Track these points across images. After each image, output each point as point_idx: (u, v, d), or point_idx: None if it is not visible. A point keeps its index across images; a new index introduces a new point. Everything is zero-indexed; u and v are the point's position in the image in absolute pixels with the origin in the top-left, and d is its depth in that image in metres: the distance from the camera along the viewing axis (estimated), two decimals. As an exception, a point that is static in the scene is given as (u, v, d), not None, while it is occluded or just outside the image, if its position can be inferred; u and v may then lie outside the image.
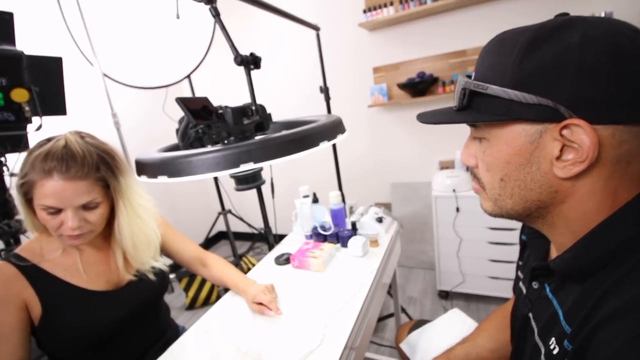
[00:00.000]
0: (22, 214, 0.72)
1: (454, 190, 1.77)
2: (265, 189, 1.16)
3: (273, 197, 1.39)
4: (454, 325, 0.94)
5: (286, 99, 2.51)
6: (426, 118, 0.48)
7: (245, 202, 2.85)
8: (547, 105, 0.36)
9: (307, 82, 2.34)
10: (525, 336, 0.52)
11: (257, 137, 0.73)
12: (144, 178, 0.66)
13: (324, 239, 1.20)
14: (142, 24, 1.83)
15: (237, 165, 0.61)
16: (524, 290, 0.55)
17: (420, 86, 1.98)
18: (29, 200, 0.69)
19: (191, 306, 2.16)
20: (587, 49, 0.34)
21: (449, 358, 0.75)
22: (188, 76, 2.07)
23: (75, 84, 1.90)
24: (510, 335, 0.63)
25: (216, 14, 0.71)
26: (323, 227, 1.21)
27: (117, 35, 1.79)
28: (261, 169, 0.79)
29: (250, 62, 0.76)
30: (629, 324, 0.32)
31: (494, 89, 0.39)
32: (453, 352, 0.76)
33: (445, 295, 1.99)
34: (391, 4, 1.92)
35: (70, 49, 1.60)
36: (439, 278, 1.95)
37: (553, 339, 0.42)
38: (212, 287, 2.22)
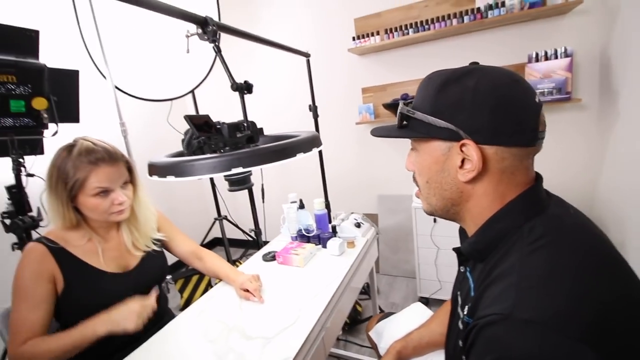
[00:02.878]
0: (56, 213, 0.87)
1: (431, 202, 1.92)
2: (258, 194, 1.31)
3: (263, 201, 1.55)
4: (415, 316, 1.05)
5: (280, 115, 2.71)
6: (376, 132, 0.62)
7: (240, 209, 2.99)
8: (452, 129, 0.50)
9: (300, 100, 2.53)
10: (455, 311, 0.64)
11: (247, 148, 0.90)
12: (155, 177, 0.82)
13: (307, 240, 1.35)
14: (152, 44, 2.03)
15: (229, 169, 0.77)
16: (456, 276, 0.69)
17: (403, 107, 2.17)
18: (72, 198, 0.86)
19: (186, 307, 2.27)
20: (477, 92, 0.48)
21: (406, 341, 0.88)
22: (192, 91, 2.26)
23: (88, 94, 2.08)
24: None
25: (218, 51, 0.89)
26: (307, 230, 1.36)
27: (129, 51, 1.98)
28: (250, 173, 0.95)
29: (244, 89, 0.94)
30: (501, 283, 0.45)
31: (419, 115, 0.53)
32: (410, 337, 0.89)
33: (425, 301, 2.11)
34: (377, 33, 2.13)
35: (86, 63, 1.78)
36: (419, 285, 2.08)
37: (466, 306, 0.54)
38: (206, 289, 2.34)
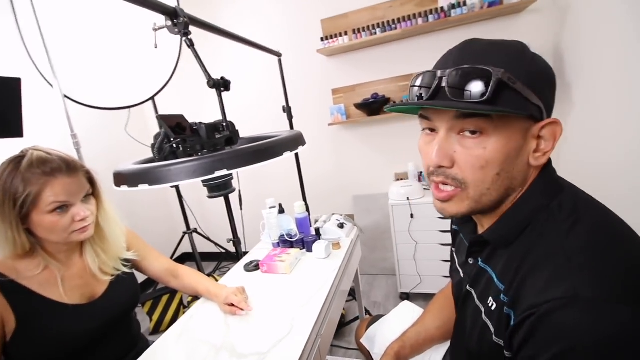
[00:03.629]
0: (4, 239, 0.73)
1: (407, 199, 1.95)
2: (234, 201, 1.24)
3: (241, 208, 1.46)
4: (405, 315, 1.01)
5: (252, 117, 2.62)
6: (442, 105, 0.45)
7: (211, 221, 2.85)
8: (540, 107, 0.44)
9: (273, 102, 2.47)
10: (467, 306, 0.60)
11: (228, 150, 0.83)
12: (124, 187, 0.73)
13: (290, 245, 1.29)
14: (105, 46, 1.87)
15: (212, 172, 0.70)
16: (461, 271, 0.65)
17: (374, 106, 2.19)
18: (24, 218, 0.73)
19: (156, 330, 2.10)
20: (548, 65, 0.46)
21: (404, 340, 0.84)
22: (152, 98, 2.11)
23: (33, 105, 1.87)
24: (456, 311, 0.72)
25: (191, 44, 0.82)
26: (289, 235, 1.31)
27: (80, 56, 1.81)
28: (231, 177, 0.88)
29: (222, 85, 0.87)
30: (548, 266, 0.41)
31: (519, 85, 0.42)
32: (407, 335, 0.85)
33: (406, 297, 2.13)
34: (345, 33, 2.13)
35: (30, 69, 1.60)
36: (399, 281, 2.09)
37: (490, 298, 0.50)
38: (179, 308, 2.18)
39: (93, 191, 0.84)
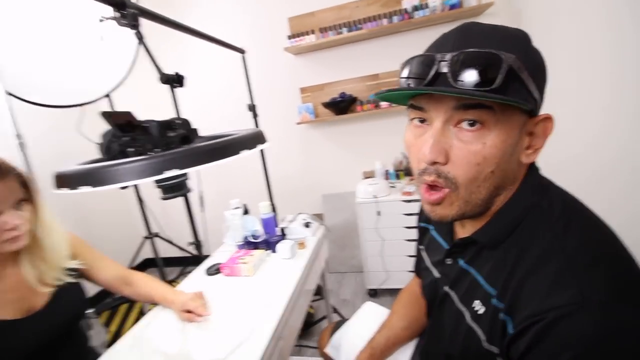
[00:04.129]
0: None
1: (374, 196, 1.97)
2: (195, 202, 1.19)
3: (202, 210, 1.41)
4: (369, 317, 0.94)
5: (219, 116, 2.54)
6: (451, 91, 0.39)
7: (174, 223, 2.74)
8: (537, 100, 0.41)
9: (239, 100, 2.40)
10: (444, 308, 0.57)
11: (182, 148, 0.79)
12: (64, 190, 0.67)
13: (254, 246, 1.26)
14: (55, 39, 1.73)
15: (161, 172, 0.66)
16: (435, 270, 0.61)
17: (341, 105, 2.20)
18: None
19: (114, 342, 1.98)
20: (540, 55, 0.42)
21: (372, 347, 0.76)
22: (107, 95, 1.98)
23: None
24: (427, 312, 0.69)
25: (140, 38, 0.77)
26: (254, 236, 1.28)
27: (26, 50, 1.66)
28: (186, 177, 0.84)
29: (175, 81, 0.82)
30: (548, 270, 0.39)
31: (525, 75, 0.39)
32: (375, 341, 0.78)
33: (374, 293, 2.17)
34: (312, 32, 2.12)
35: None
36: (367, 278, 2.12)
37: (476, 301, 0.47)
38: (139, 318, 2.07)
39: (28, 197, 0.76)
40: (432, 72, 0.41)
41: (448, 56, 0.40)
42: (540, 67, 0.42)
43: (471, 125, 0.40)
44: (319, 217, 2.61)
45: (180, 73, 0.82)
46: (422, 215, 0.73)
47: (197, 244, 1.23)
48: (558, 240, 0.39)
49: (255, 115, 1.51)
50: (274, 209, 1.61)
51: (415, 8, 1.92)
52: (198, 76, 2.51)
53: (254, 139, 0.81)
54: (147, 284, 1.02)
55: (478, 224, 0.49)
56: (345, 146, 2.43)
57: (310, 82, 2.36)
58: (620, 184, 1.19)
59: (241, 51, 1.47)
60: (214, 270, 1.15)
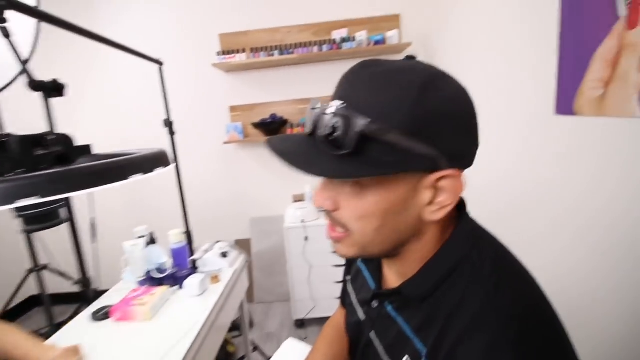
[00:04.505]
0: None
1: (302, 221, 1.92)
2: (85, 231, 1.00)
3: (94, 241, 1.20)
4: (290, 358, 0.89)
5: (134, 133, 2.30)
6: (296, 164, 0.36)
7: (67, 253, 2.32)
8: (432, 156, 0.35)
9: (158, 116, 2.21)
10: (367, 355, 0.53)
11: (52, 170, 0.64)
12: None
13: (159, 282, 1.10)
14: None
15: (13, 201, 0.52)
16: (360, 310, 0.57)
17: (272, 126, 2.15)
18: None
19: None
20: (458, 101, 0.36)
21: None
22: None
23: None
24: (350, 353, 0.64)
25: (7, 35, 0.62)
26: (159, 270, 1.11)
27: None
28: (61, 205, 0.68)
29: (51, 89, 0.68)
30: (482, 336, 0.36)
31: (393, 137, 0.34)
32: None
33: (301, 324, 2.07)
34: (243, 50, 2.07)
35: None
36: (294, 308, 2.03)
37: (406, 356, 0.43)
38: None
39: None
40: (310, 125, 0.39)
41: (315, 112, 0.38)
42: (436, 116, 0.34)
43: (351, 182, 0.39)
44: (245, 242, 2.48)
45: (60, 81, 0.68)
46: None
47: (84, 281, 1.02)
48: (489, 302, 0.37)
49: (172, 133, 1.36)
50: (190, 237, 1.45)
51: (344, 40, 2.00)
52: (117, 90, 2.26)
53: (152, 161, 0.70)
54: (5, 338, 0.80)
55: (405, 269, 0.45)
56: (276, 169, 2.37)
57: (241, 101, 2.28)
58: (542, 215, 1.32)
59: (158, 63, 1.34)
60: (102, 315, 0.96)
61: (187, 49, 2.22)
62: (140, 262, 1.11)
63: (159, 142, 2.23)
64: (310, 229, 1.91)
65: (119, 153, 0.95)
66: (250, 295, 2.42)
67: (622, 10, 0.82)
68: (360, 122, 0.34)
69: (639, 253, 0.84)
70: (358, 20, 2.14)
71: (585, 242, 1.03)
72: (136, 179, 0.63)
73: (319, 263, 1.96)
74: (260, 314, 2.28)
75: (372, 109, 0.34)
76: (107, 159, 0.87)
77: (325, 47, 2.00)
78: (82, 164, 0.77)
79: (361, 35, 2.00)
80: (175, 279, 1.10)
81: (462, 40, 1.65)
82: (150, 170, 0.69)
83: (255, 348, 1.71)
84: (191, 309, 0.99)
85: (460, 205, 0.45)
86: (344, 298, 0.70)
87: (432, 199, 0.38)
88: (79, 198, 1.17)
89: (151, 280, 1.09)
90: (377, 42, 2.00)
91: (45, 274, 1.93)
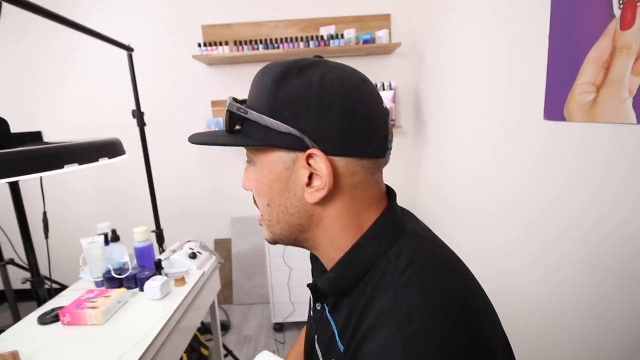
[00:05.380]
0: None
1: (283, 222, 1.86)
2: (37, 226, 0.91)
3: (46, 237, 1.12)
4: None
5: (101, 123, 2.20)
6: (196, 138, 0.45)
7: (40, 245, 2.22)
8: (295, 135, 0.38)
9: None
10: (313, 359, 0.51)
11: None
12: None
13: (119, 283, 1.02)
14: None
15: None
16: (312, 313, 0.55)
17: (255, 123, 2.08)
18: None
19: None
20: (323, 88, 0.38)
21: None
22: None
23: None
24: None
25: None
26: (120, 270, 1.04)
27: None
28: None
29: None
30: (383, 330, 0.34)
31: (253, 115, 0.39)
32: None
33: (279, 327, 2.00)
34: (226, 43, 1.99)
35: None
36: (273, 311, 1.96)
37: None
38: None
39: None
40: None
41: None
42: (292, 98, 0.39)
43: (249, 162, 0.46)
44: (226, 242, 2.39)
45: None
46: (311, 252, 0.65)
47: (35, 281, 0.94)
48: (396, 298, 0.36)
49: (142, 124, 1.28)
50: (161, 236, 1.38)
51: (332, 37, 1.95)
52: (75, 75, 2.16)
53: (95, 150, 0.63)
54: None
55: (327, 263, 0.45)
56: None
57: (223, 95, 2.21)
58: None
59: (128, 49, 1.26)
60: (50, 318, 0.88)
61: (167, 39, 2.14)
62: (99, 260, 1.03)
63: (135, 134, 2.14)
64: (291, 230, 1.84)
65: (71, 142, 0.87)
66: (229, 296, 2.34)
67: (617, 9, 0.78)
68: (229, 102, 0.41)
69: (616, 260, 0.80)
70: (347, 17, 2.09)
71: (558, 249, 1.00)
72: (74, 168, 0.56)
73: (298, 266, 1.89)
74: (239, 315, 2.20)
75: (251, 101, 0.42)
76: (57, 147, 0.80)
77: (312, 44, 1.94)
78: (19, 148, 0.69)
79: (349, 33, 1.95)
80: (136, 281, 1.02)
81: (452, 41, 1.61)
82: (95, 160, 0.61)
83: (228, 353, 1.63)
84: (150, 313, 0.91)
85: (391, 196, 0.46)
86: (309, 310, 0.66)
87: (309, 181, 0.40)
88: (33, 190, 1.09)
89: (110, 281, 1.01)
90: (365, 41, 1.95)
91: (10, 269, 1.83)
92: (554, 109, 1.00)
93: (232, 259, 2.32)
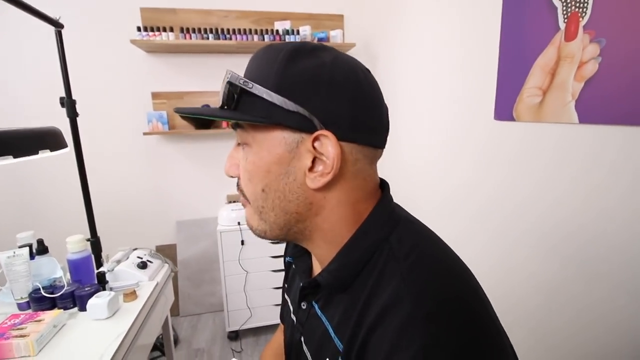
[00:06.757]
0: None
1: (239, 223, 1.76)
2: None
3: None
4: None
5: (27, 112, 1.85)
6: (187, 110, 0.41)
7: None
8: (304, 115, 0.36)
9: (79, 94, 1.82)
10: None
11: None
12: None
13: (51, 304, 0.85)
14: None
15: None
16: (295, 318, 0.53)
17: (204, 118, 1.93)
18: None
19: None
20: (335, 69, 0.37)
21: None
22: None
23: None
24: None
25: None
26: (51, 288, 0.86)
27: None
28: None
29: None
30: (395, 317, 0.33)
31: (258, 89, 0.37)
32: None
33: (234, 336, 1.89)
34: (171, 29, 1.82)
35: None
36: (227, 319, 1.84)
37: (327, 359, 0.40)
38: None
39: None
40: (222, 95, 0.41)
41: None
42: (302, 77, 0.37)
43: (244, 145, 0.42)
44: (170, 248, 2.18)
45: None
46: (287, 249, 0.63)
47: None
48: (405, 283, 0.36)
49: (73, 114, 1.09)
50: (98, 245, 1.18)
51: (287, 32, 1.90)
52: (11, 58, 1.80)
53: (38, 141, 0.50)
54: None
55: (322, 256, 0.43)
56: (207, 165, 2.14)
57: (168, 87, 2.01)
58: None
59: (57, 25, 1.06)
60: (-43, 356, 0.69)
61: (103, 18, 1.87)
62: (23, 278, 0.84)
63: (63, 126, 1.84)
64: (247, 232, 1.75)
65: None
66: (174, 307, 2.14)
67: (562, 22, 0.88)
68: (231, 75, 0.37)
69: (562, 250, 0.90)
70: (301, 14, 2.06)
71: (504, 241, 1.10)
72: (7, 162, 0.44)
73: (256, 269, 1.81)
74: (187, 328, 2.02)
75: (254, 75, 0.39)
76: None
77: (267, 37, 1.87)
78: None
79: (305, 30, 1.92)
80: (74, 299, 0.86)
81: (406, 45, 1.68)
82: (32, 152, 0.49)
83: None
84: (98, 335, 0.77)
85: (384, 188, 0.45)
86: (283, 313, 0.64)
87: (312, 165, 0.38)
88: None
89: (39, 302, 0.83)
90: (320, 39, 1.94)
91: None
92: (504, 110, 1.10)
93: (178, 266, 2.13)
